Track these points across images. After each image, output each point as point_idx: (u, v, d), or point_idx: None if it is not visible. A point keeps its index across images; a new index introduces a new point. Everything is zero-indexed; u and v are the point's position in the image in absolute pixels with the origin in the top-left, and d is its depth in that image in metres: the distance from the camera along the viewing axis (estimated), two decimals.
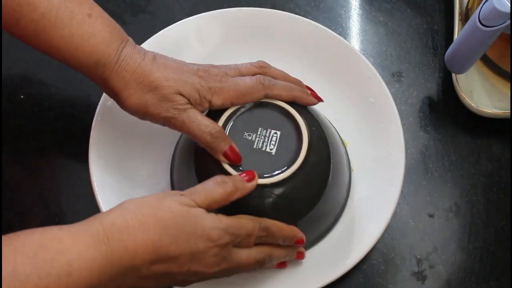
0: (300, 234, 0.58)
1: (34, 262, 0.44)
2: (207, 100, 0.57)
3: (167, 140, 0.67)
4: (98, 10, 0.56)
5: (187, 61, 0.59)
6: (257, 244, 0.55)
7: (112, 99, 0.64)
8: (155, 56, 0.58)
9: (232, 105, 0.58)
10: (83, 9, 0.55)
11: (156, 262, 0.48)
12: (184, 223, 0.49)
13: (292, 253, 0.59)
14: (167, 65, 0.57)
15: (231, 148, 0.56)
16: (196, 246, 0.49)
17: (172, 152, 0.66)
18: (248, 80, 0.58)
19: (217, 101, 0.57)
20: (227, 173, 0.55)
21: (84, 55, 0.55)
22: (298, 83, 0.62)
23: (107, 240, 0.46)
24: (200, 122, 0.55)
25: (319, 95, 0.63)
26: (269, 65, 0.61)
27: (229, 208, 0.56)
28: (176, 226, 0.49)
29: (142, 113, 0.57)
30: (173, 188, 0.65)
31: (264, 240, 0.55)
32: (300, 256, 0.60)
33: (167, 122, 0.56)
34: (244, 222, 0.53)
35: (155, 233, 0.48)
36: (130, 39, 0.58)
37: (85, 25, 0.54)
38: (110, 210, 0.49)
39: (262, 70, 0.60)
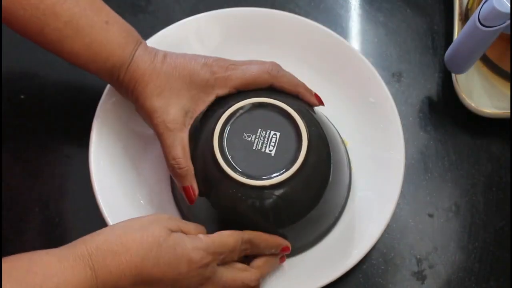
0: (286, 242, 0.58)
1: (23, 287, 0.45)
2: (214, 92, 0.59)
3: None
4: (114, 16, 0.58)
5: None
6: (245, 256, 0.56)
7: (112, 100, 0.64)
8: (165, 56, 0.59)
9: (238, 91, 0.60)
10: (101, 17, 0.57)
11: (139, 284, 0.49)
12: (164, 245, 0.50)
13: (276, 262, 0.59)
14: (176, 66, 0.58)
15: (185, 188, 0.57)
16: (178, 269, 0.50)
17: None
18: (255, 69, 0.60)
19: (223, 91, 0.59)
20: (225, 174, 0.55)
21: (102, 60, 0.57)
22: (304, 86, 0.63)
23: (92, 264, 0.48)
24: (173, 152, 0.57)
25: (319, 95, 0.64)
26: (281, 68, 0.62)
27: (229, 212, 0.56)
28: (157, 249, 0.49)
29: (143, 118, 0.59)
30: (173, 187, 0.65)
31: (248, 252, 0.56)
32: (282, 259, 0.60)
33: (156, 131, 0.58)
34: (225, 239, 0.53)
35: (138, 256, 0.49)
36: (143, 41, 0.60)
37: (103, 32, 0.56)
38: (97, 233, 0.51)
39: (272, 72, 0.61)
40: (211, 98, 0.59)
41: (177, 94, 0.58)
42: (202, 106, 0.59)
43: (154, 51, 0.59)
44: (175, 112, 0.57)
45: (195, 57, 0.60)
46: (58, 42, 0.56)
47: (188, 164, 0.57)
